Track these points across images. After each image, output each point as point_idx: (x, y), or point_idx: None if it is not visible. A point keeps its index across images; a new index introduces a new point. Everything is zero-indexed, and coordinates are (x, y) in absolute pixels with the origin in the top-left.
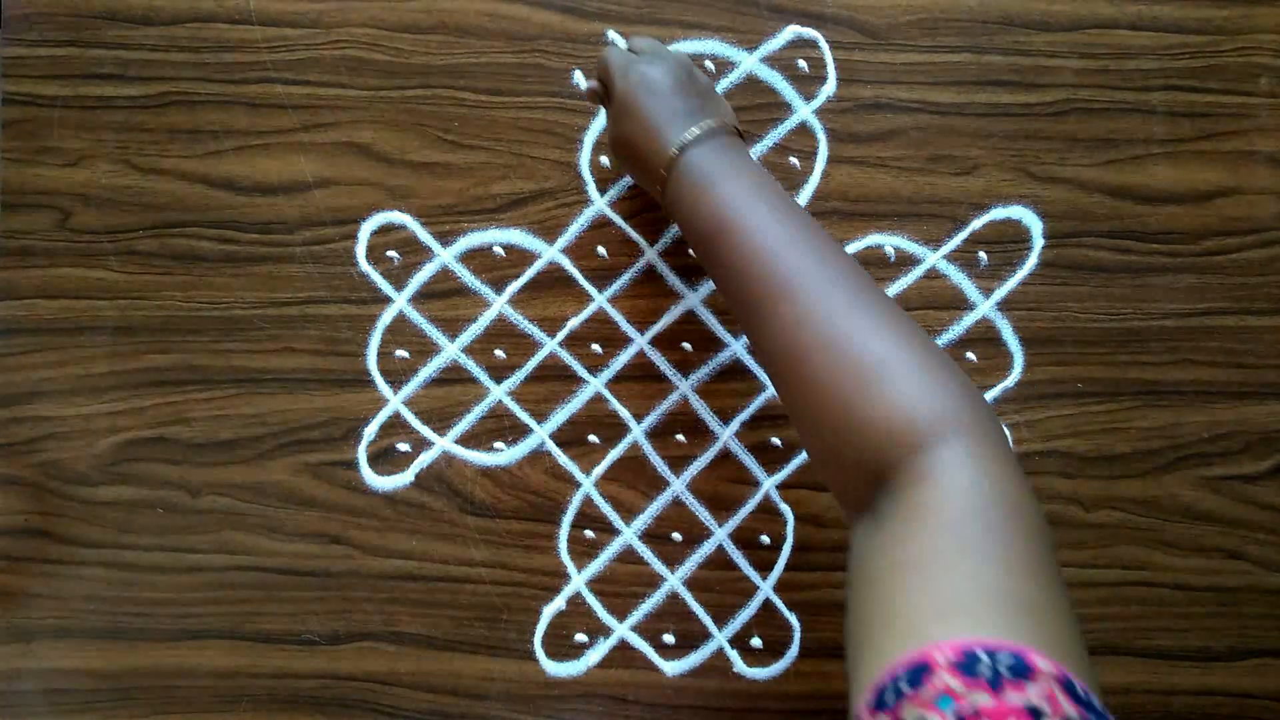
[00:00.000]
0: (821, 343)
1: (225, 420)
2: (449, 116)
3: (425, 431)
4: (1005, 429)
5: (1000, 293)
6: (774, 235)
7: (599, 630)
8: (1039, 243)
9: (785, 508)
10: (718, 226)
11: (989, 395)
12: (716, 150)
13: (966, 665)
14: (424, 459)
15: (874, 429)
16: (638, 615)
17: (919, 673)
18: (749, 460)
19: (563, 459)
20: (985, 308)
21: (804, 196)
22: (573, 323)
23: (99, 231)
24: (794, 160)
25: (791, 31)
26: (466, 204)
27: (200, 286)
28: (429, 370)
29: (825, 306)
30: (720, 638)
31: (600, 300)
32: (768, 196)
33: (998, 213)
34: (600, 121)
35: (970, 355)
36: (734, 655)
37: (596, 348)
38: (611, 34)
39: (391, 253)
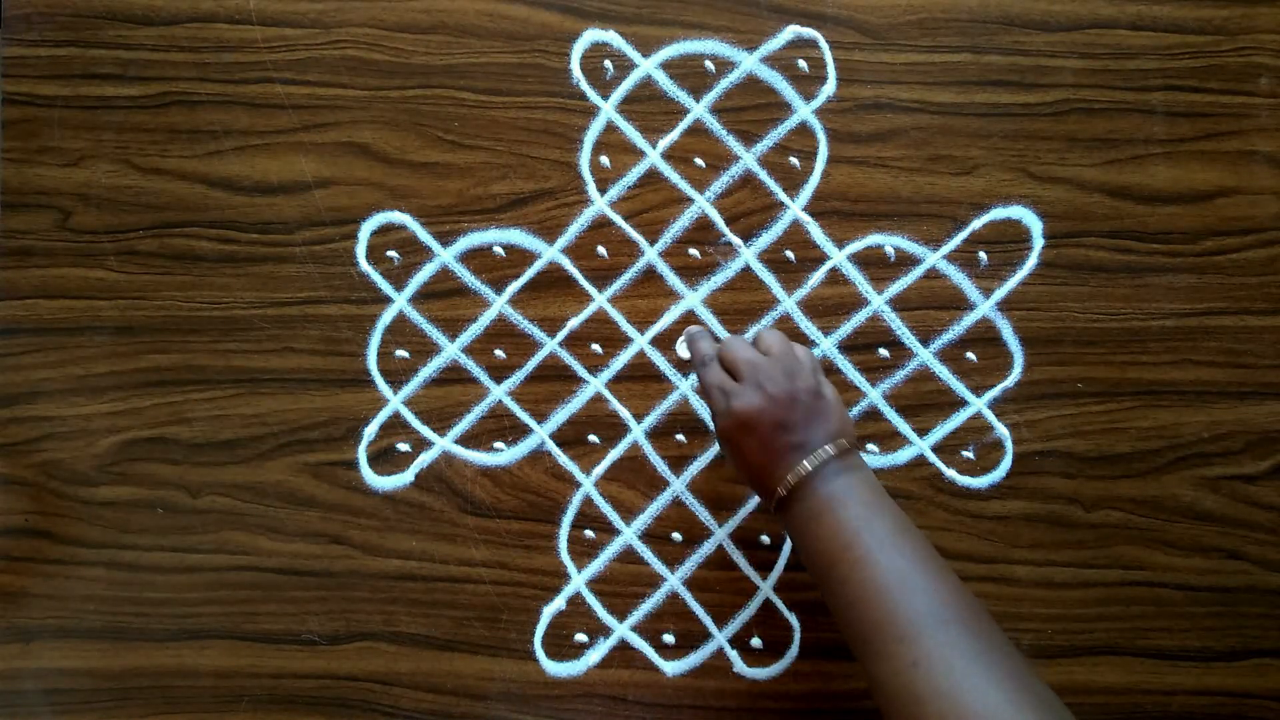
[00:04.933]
0: (941, 691)
1: (225, 420)
2: (449, 116)
3: (425, 431)
4: None
5: (1000, 293)
6: (892, 569)
7: (599, 630)
8: (1039, 243)
9: None
10: (833, 558)
11: (988, 395)
12: (828, 478)
13: None
14: (424, 459)
15: None
16: (638, 615)
17: None
18: None
19: (563, 459)
20: (985, 308)
21: (804, 196)
22: (573, 323)
23: (99, 231)
24: (794, 160)
25: (791, 31)
26: (466, 204)
27: (200, 286)
28: (429, 370)
29: (943, 652)
30: (720, 638)
31: (600, 300)
32: (884, 525)
33: (998, 213)
34: (601, 122)
35: (970, 355)
36: (734, 655)
37: (596, 348)
38: (703, 345)
39: (391, 253)
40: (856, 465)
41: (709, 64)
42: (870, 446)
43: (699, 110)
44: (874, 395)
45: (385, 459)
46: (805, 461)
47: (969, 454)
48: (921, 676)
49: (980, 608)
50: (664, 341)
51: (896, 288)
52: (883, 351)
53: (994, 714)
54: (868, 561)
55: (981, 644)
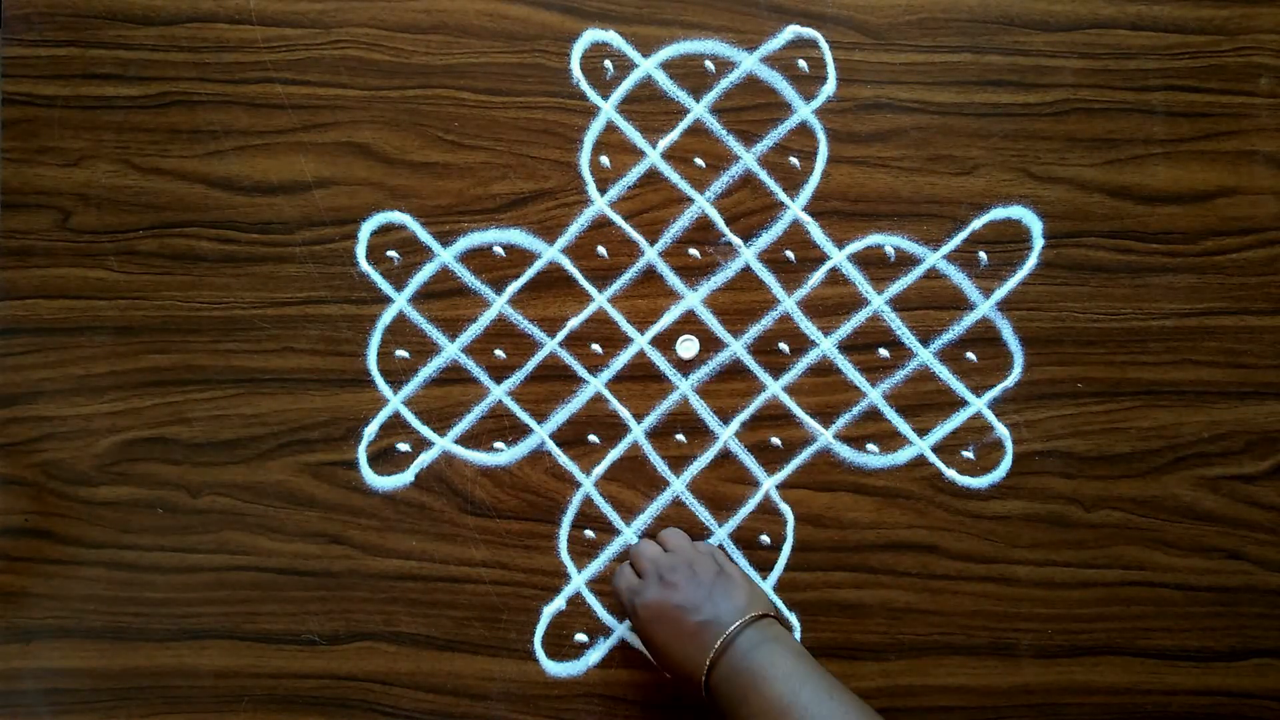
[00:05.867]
0: None
1: (225, 420)
2: (449, 116)
3: (425, 431)
4: None
5: (1000, 293)
6: None
7: (599, 630)
8: (1039, 243)
9: (785, 508)
10: None
11: (988, 395)
12: (746, 652)
13: None
14: (424, 459)
15: None
16: None
17: None
18: (749, 460)
19: (563, 459)
20: (985, 308)
21: (804, 196)
22: (573, 323)
23: (99, 231)
24: (794, 160)
25: (791, 31)
26: (466, 204)
27: (200, 286)
28: (429, 370)
29: None
30: None
31: (600, 300)
32: (810, 698)
33: (998, 213)
34: (601, 122)
35: (970, 355)
36: None
37: (596, 348)
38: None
39: (391, 253)
40: (776, 635)
41: (709, 64)
42: (870, 446)
43: (699, 110)
44: (874, 395)
45: (385, 459)
46: (720, 639)
47: (969, 454)
48: None
49: None
50: (664, 341)
51: (896, 288)
52: (883, 351)
53: None
54: None
55: None
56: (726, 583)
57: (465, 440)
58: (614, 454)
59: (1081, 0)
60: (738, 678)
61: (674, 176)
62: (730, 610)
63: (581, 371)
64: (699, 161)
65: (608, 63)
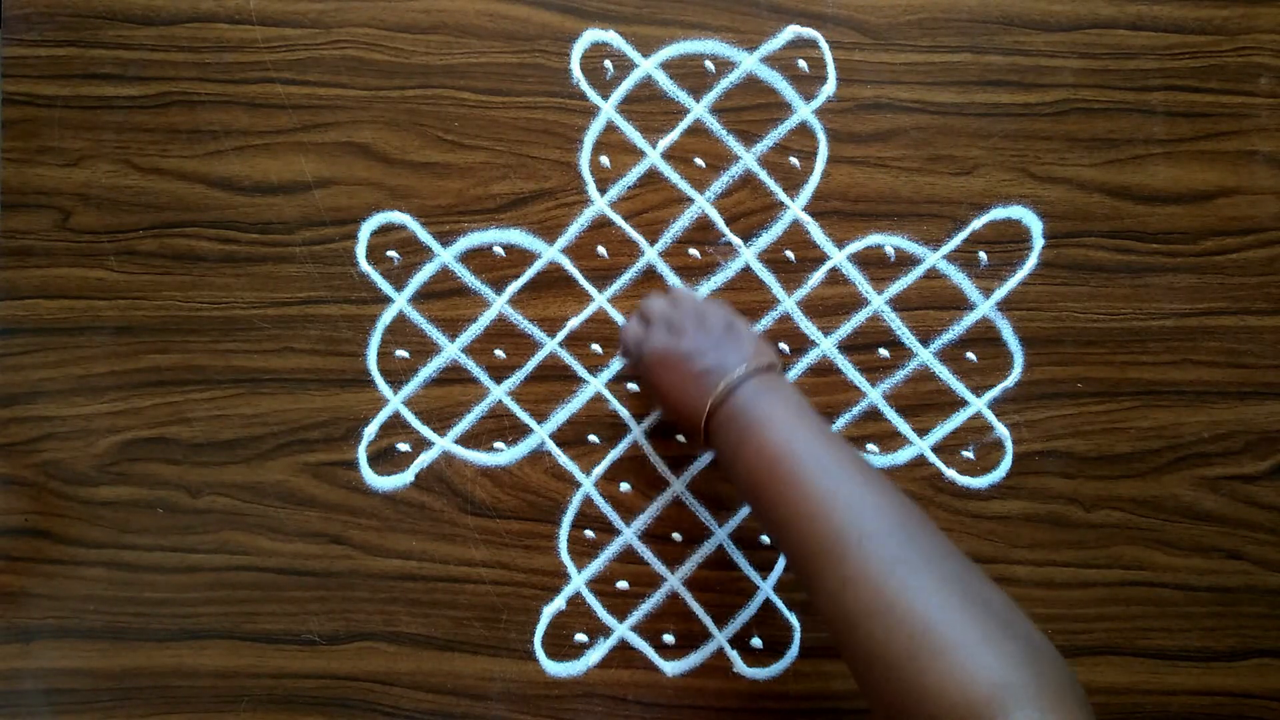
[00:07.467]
0: (870, 609)
1: (225, 420)
2: (449, 116)
3: (425, 431)
4: (1080, 694)
5: (1000, 293)
6: (817, 489)
7: (599, 630)
8: (1039, 243)
9: None
10: (761, 482)
11: (988, 395)
12: (749, 399)
13: None
14: (424, 459)
15: (929, 704)
16: (638, 615)
17: None
18: None
19: (563, 459)
20: (985, 308)
21: (804, 197)
22: (573, 323)
23: (99, 231)
24: (794, 160)
25: (791, 31)
26: (466, 204)
27: (200, 286)
28: (429, 370)
29: (874, 568)
30: (720, 638)
31: (600, 300)
32: (808, 443)
33: (998, 213)
34: (601, 122)
35: (970, 355)
36: (734, 655)
37: (596, 348)
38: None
39: (391, 253)
40: (778, 385)
41: (709, 64)
42: (870, 446)
43: (699, 110)
44: (874, 395)
45: (385, 459)
46: (722, 383)
47: (969, 454)
48: (851, 597)
49: (912, 513)
50: None
51: (896, 288)
52: (883, 351)
53: (925, 624)
54: (792, 482)
55: (912, 553)
56: (734, 333)
57: (465, 440)
58: (614, 454)
59: (1081, 0)
60: (735, 423)
61: (674, 176)
62: (736, 358)
63: (581, 371)
64: (699, 161)
65: (608, 63)
